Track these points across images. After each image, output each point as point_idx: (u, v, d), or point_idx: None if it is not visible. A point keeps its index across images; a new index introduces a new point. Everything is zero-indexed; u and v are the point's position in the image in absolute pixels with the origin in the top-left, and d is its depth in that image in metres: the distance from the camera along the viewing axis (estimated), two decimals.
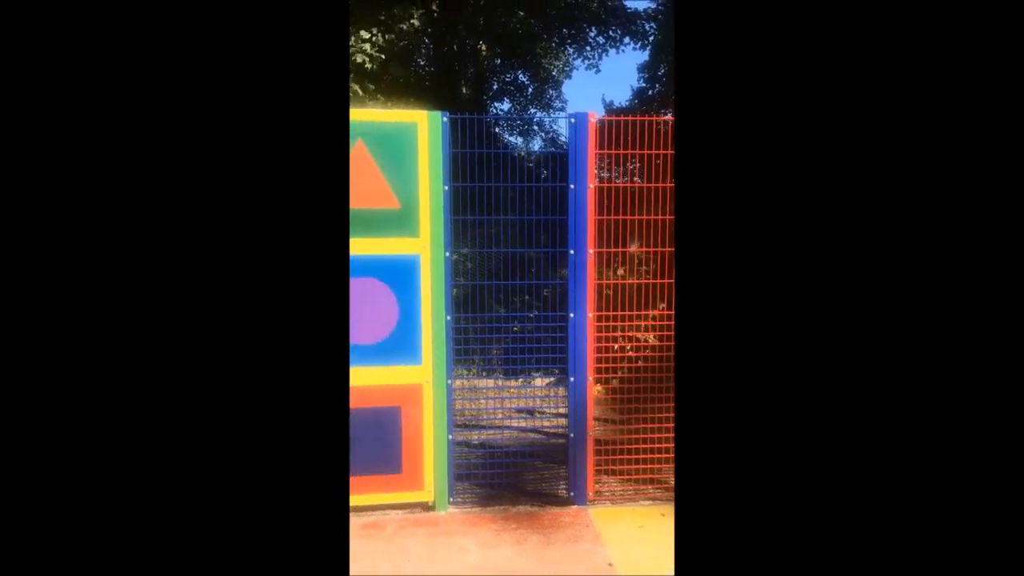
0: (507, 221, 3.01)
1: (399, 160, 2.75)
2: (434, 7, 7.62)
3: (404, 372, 2.82)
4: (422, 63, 9.33)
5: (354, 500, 2.81)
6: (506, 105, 11.85)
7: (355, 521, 2.78)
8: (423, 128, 2.76)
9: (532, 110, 12.00)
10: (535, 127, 11.70)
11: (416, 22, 5.81)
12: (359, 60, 5.30)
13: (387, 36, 5.55)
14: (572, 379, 2.93)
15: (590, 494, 2.96)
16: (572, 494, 2.95)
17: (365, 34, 5.39)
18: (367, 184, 2.73)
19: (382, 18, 5.67)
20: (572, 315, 2.91)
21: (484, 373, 4.03)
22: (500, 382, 4.04)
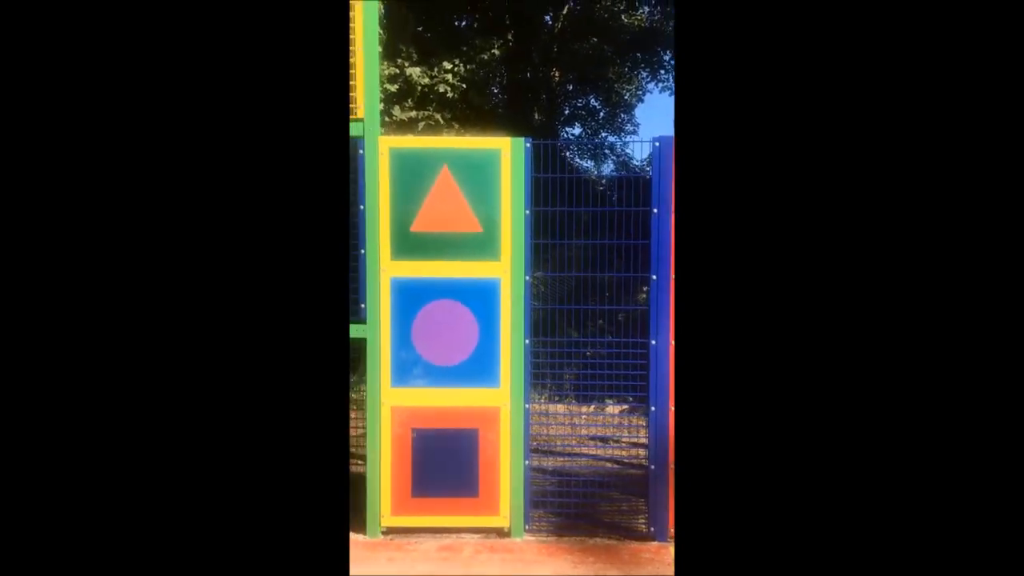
0: (582, 245, 2.99)
1: (482, 185, 2.81)
2: (510, 37, 7.84)
3: (482, 395, 2.83)
4: (495, 91, 9.58)
5: (431, 521, 2.83)
6: (577, 130, 11.91)
7: (432, 543, 2.79)
8: (506, 154, 2.81)
9: (603, 134, 11.99)
10: (607, 151, 11.66)
11: (496, 51, 5.99)
12: (441, 90, 5.52)
13: (468, 66, 5.76)
14: (653, 408, 2.84)
15: (672, 530, 2.83)
16: (652, 529, 2.83)
17: (447, 64, 5.62)
18: (450, 208, 2.80)
19: (464, 49, 5.89)
20: (654, 342, 2.83)
21: (556, 398, 3.99)
22: (572, 407, 3.97)
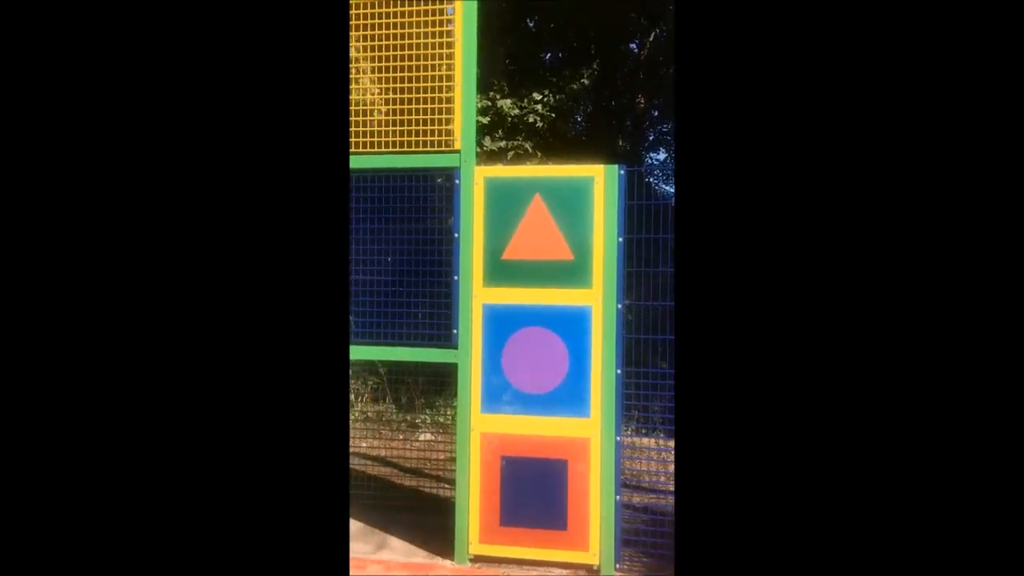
0: (671, 273, 2.90)
1: (574, 213, 2.80)
2: (595, 66, 7.91)
3: (572, 424, 2.78)
4: (579, 119, 9.64)
5: (519, 552, 2.78)
6: (662, 155, 11.72)
7: (519, 574, 2.73)
8: (599, 182, 2.79)
9: None
10: None
11: (586, 81, 6.07)
12: (531, 120, 5.66)
13: (557, 96, 5.87)
14: None
15: None
16: None
17: (537, 95, 5.76)
18: (542, 236, 2.81)
19: (553, 80, 6.01)
20: None
21: (643, 431, 3.84)
22: (661, 442, 3.80)
